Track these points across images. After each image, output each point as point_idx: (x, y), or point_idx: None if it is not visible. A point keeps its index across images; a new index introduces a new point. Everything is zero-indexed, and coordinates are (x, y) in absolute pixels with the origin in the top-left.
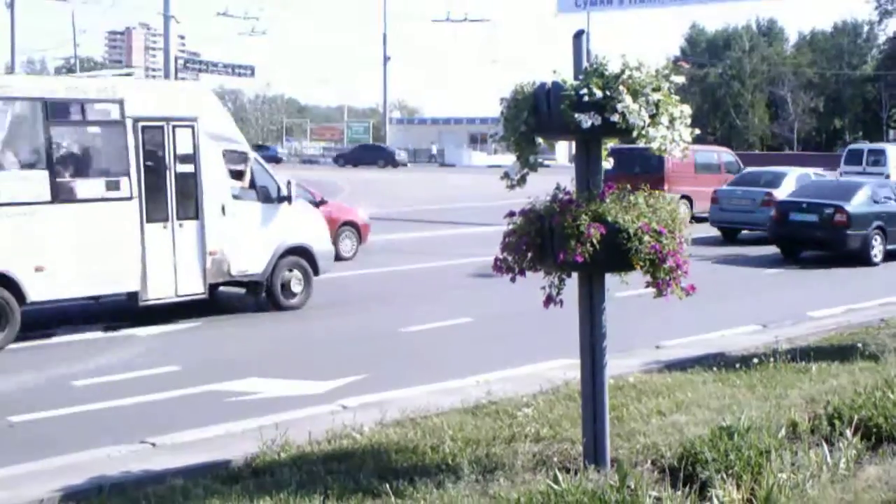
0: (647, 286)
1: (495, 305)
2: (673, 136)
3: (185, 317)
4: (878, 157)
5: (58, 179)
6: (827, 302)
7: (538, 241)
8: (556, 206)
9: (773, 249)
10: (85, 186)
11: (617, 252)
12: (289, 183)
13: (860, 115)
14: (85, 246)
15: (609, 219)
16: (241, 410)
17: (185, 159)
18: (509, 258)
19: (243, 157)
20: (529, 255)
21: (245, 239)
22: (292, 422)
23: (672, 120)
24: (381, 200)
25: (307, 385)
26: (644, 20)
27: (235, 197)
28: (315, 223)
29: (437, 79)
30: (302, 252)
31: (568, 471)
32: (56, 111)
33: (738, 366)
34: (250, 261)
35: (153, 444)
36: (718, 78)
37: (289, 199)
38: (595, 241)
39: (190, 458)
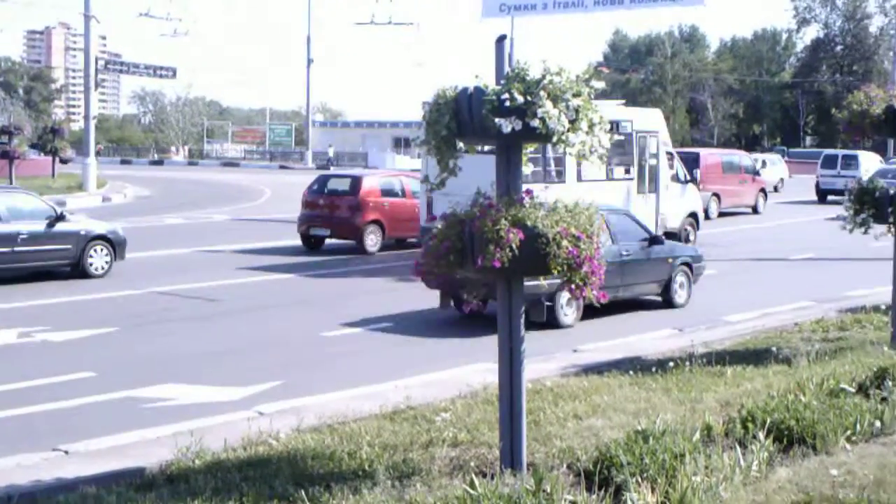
0: (562, 289)
1: (416, 310)
2: (592, 141)
3: (101, 323)
4: (851, 162)
5: (608, 167)
6: (743, 306)
7: (459, 246)
8: (477, 211)
9: None
10: (618, 171)
11: (535, 256)
12: (693, 170)
13: (778, 121)
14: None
15: (528, 223)
16: (157, 417)
17: (652, 156)
18: (430, 262)
19: (671, 155)
20: (450, 258)
21: (672, 206)
22: (208, 428)
23: (591, 125)
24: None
25: (224, 391)
26: (569, 26)
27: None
28: (698, 197)
29: (362, 82)
30: (694, 216)
31: (484, 475)
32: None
33: (654, 369)
34: (674, 220)
35: (66, 452)
36: (640, 83)
37: (694, 181)
38: (514, 245)
39: (103, 466)
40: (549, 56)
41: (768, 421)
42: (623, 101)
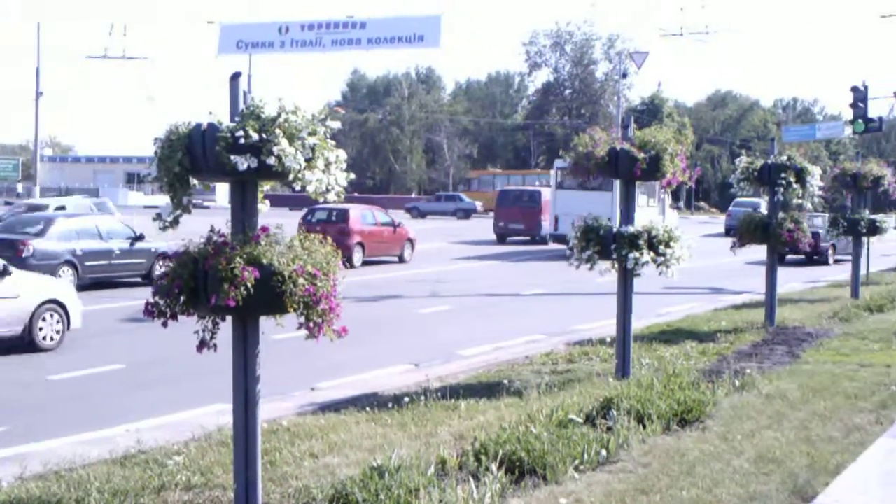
0: (300, 328)
1: (148, 351)
2: (329, 179)
3: None
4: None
5: (648, 198)
6: (477, 340)
7: (191, 285)
8: (210, 249)
9: (430, 289)
10: (651, 202)
11: (271, 295)
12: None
13: (511, 161)
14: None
15: (264, 261)
16: None
17: (661, 192)
18: (161, 302)
19: (674, 195)
20: (182, 298)
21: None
22: None
23: (328, 164)
24: None
25: None
26: (308, 65)
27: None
28: (676, 219)
29: (94, 116)
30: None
31: None
32: None
33: (390, 405)
34: None
35: None
36: (378, 123)
37: (679, 209)
38: (249, 284)
39: None
40: (287, 94)
41: (501, 453)
42: None
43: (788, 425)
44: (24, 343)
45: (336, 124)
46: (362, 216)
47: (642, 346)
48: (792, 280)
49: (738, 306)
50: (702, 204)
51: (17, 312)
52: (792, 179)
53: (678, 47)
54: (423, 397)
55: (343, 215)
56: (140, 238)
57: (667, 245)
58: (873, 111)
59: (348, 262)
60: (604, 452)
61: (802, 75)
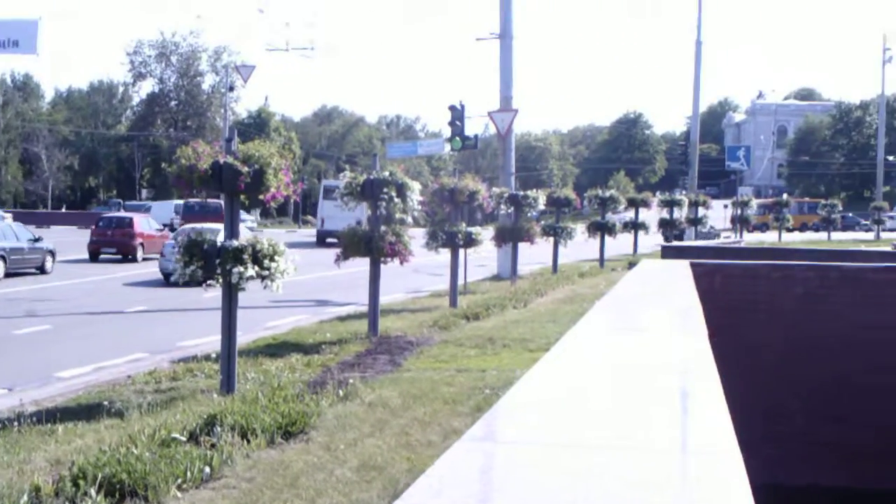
0: None
1: None
2: None
3: None
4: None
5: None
6: (77, 361)
7: None
8: None
9: (23, 310)
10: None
11: None
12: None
13: (115, 173)
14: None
15: None
16: None
17: None
18: None
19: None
20: None
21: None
22: None
23: None
24: None
25: None
26: None
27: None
28: None
29: None
30: None
31: None
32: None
33: None
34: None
35: None
36: None
37: None
38: None
39: None
40: None
41: (100, 476)
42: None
43: (390, 432)
44: None
45: None
46: (141, 222)
47: (248, 361)
48: (396, 290)
49: (343, 318)
50: (309, 218)
51: None
52: (393, 194)
53: (285, 62)
54: (16, 423)
55: (130, 222)
56: (39, 240)
57: (271, 259)
58: (470, 129)
59: (133, 257)
60: (207, 470)
61: (406, 93)
